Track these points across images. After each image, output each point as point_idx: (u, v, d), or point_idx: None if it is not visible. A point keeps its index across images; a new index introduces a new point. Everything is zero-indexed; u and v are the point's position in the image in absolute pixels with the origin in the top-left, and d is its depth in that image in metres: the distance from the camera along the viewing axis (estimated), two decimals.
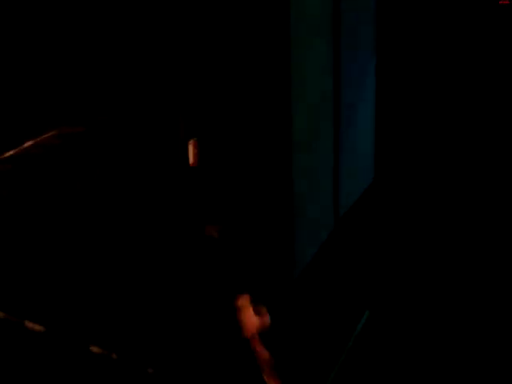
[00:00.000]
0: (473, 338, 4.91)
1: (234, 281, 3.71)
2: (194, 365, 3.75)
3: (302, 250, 4.97)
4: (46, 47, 5.79)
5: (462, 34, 6.38)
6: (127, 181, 5.17)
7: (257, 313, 3.56)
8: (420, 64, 6.59)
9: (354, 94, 5.96)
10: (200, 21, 4.61)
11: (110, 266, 4.65)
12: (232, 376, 3.61)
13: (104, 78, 5.42)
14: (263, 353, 3.52)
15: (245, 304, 3.56)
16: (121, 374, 3.94)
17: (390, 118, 6.67)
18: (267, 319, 3.56)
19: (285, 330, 4.19)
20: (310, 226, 5.12)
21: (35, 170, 5.52)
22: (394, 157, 6.64)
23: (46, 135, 5.90)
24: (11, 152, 5.76)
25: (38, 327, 4.19)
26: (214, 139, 4.62)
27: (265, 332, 3.57)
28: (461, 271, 5.63)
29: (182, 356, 3.83)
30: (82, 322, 4.26)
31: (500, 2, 6.29)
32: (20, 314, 4.26)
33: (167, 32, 4.79)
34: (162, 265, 4.43)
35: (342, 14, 5.37)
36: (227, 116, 4.66)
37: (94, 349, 4.03)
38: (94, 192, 5.20)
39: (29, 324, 4.20)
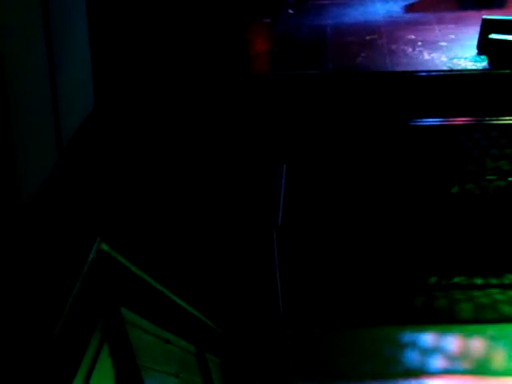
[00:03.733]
0: None
1: None
2: None
3: (28, 184, 4.97)
4: None
5: None
6: None
7: None
8: None
9: (65, 13, 5.76)
10: None
11: None
12: None
13: None
14: None
15: None
16: None
17: (106, 38, 6.52)
18: None
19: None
20: (34, 161, 5.12)
21: None
22: (113, 83, 6.51)
23: None
24: None
25: None
26: None
27: None
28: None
29: None
30: None
31: None
32: None
33: None
34: None
35: None
36: None
37: None
38: None
39: None
